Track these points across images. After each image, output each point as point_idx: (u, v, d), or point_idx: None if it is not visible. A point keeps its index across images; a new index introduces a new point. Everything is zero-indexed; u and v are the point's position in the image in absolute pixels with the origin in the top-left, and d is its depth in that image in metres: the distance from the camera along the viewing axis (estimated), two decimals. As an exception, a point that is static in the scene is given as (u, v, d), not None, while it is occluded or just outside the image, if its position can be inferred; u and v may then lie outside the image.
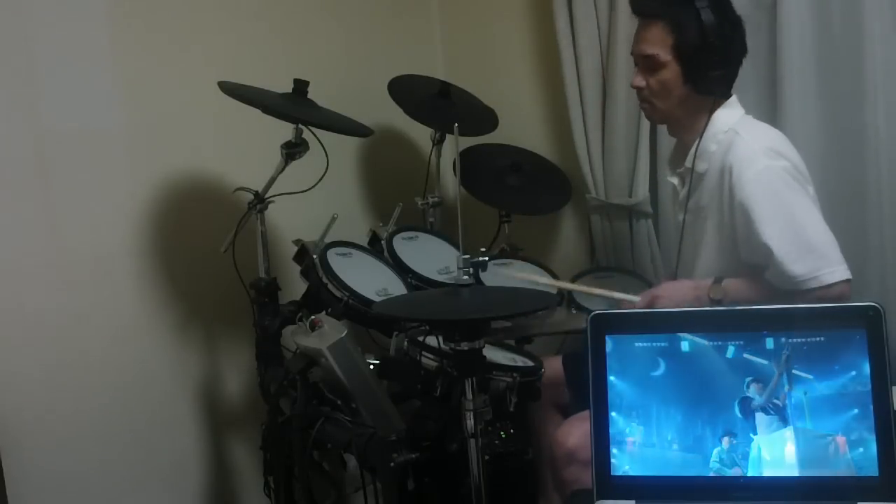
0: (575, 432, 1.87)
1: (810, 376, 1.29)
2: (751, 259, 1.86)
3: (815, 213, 1.84)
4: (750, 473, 1.29)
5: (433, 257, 2.43)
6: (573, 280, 2.54)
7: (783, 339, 1.30)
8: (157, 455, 2.36)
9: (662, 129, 2.49)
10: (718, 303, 1.87)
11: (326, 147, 2.22)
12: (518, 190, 2.66)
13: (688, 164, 1.98)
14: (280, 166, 2.18)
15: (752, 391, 1.30)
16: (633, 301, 1.99)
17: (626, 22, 2.49)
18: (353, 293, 2.13)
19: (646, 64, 1.94)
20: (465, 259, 1.65)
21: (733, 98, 1.97)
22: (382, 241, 2.41)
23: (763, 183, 1.81)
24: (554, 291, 2.28)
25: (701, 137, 1.94)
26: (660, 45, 1.90)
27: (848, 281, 1.80)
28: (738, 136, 1.89)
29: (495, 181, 2.65)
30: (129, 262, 2.29)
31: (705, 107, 1.94)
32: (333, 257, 2.24)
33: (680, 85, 1.91)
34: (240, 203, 2.24)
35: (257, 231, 2.22)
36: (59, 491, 2.14)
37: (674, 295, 1.92)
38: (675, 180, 2.08)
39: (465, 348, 1.60)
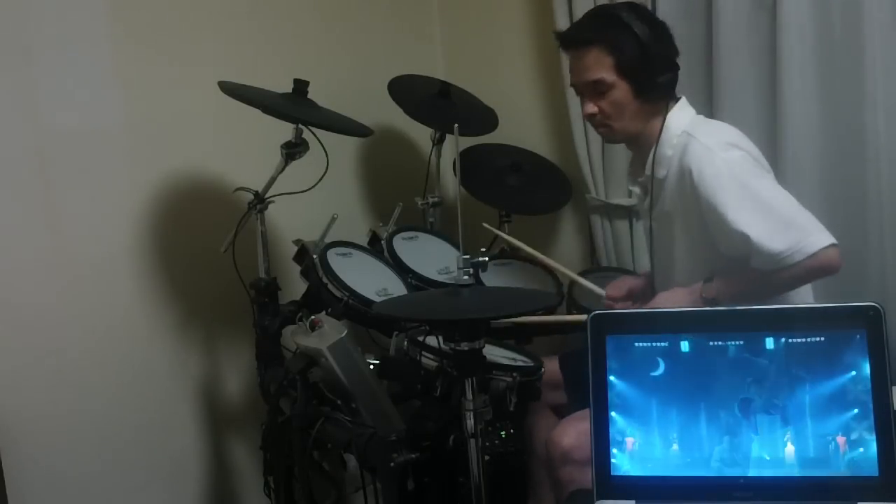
0: (570, 432, 1.87)
1: (810, 376, 1.29)
2: (732, 251, 1.86)
3: (782, 191, 1.84)
4: (750, 473, 1.29)
5: (433, 257, 2.43)
6: (572, 282, 2.54)
7: (783, 339, 1.30)
8: (157, 455, 2.36)
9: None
10: (714, 301, 1.87)
11: (326, 147, 2.22)
12: (518, 190, 2.66)
13: (647, 171, 1.98)
14: (280, 166, 2.18)
15: (753, 391, 1.31)
16: None
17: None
18: (353, 293, 2.13)
19: (593, 90, 1.95)
20: (465, 259, 1.65)
21: (682, 100, 1.98)
22: (382, 241, 2.41)
23: (724, 175, 1.81)
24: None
25: (657, 144, 1.94)
26: (601, 68, 1.91)
27: (834, 245, 1.77)
28: (691, 137, 1.89)
29: (495, 181, 2.65)
30: (129, 261, 2.29)
31: (657, 114, 1.95)
32: (333, 257, 2.24)
33: (632, 100, 1.92)
34: (240, 203, 2.24)
35: (257, 231, 2.22)
36: (59, 491, 2.14)
37: (669, 304, 1.93)
38: (636, 189, 2.09)
39: (465, 348, 1.60)
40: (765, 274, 1.83)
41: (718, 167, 1.82)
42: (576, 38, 1.97)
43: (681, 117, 1.95)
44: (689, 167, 1.85)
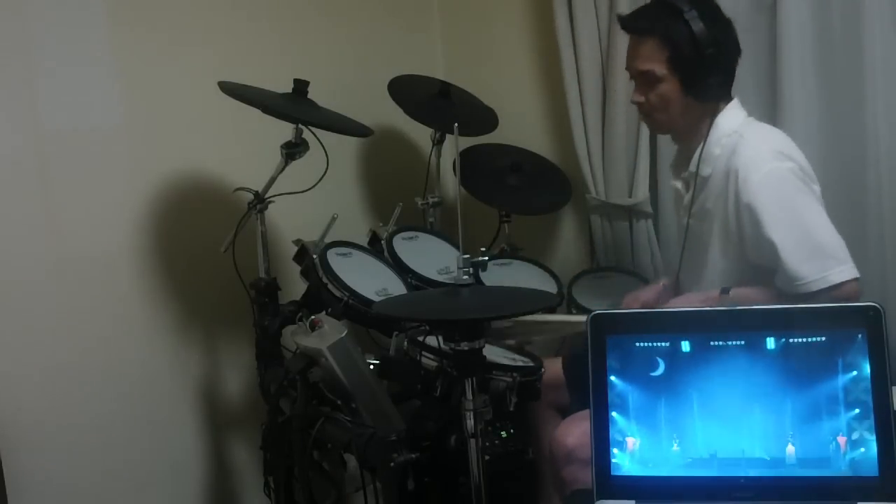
0: (574, 431, 1.87)
1: (811, 376, 1.29)
2: (759, 261, 1.87)
3: (822, 214, 1.85)
4: (750, 473, 1.29)
5: (433, 257, 2.43)
6: (572, 282, 2.54)
7: (784, 339, 1.30)
8: (158, 455, 2.36)
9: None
10: None
11: (326, 147, 2.22)
12: (518, 190, 2.66)
13: (692, 168, 1.97)
14: (280, 166, 2.18)
15: (753, 391, 1.31)
16: None
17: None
18: (353, 293, 2.13)
19: (643, 79, 1.95)
20: (465, 259, 1.65)
21: (735, 101, 1.97)
22: (382, 241, 2.41)
23: (770, 185, 1.82)
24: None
25: (705, 142, 1.94)
26: (655, 60, 1.91)
27: (856, 279, 1.80)
28: (742, 138, 1.89)
29: (495, 181, 2.65)
30: (128, 262, 2.29)
31: (707, 112, 1.94)
32: (333, 257, 2.24)
33: (680, 96, 1.92)
34: (240, 203, 2.24)
35: (257, 231, 2.22)
36: (59, 491, 2.14)
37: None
38: (678, 184, 2.08)
39: (465, 348, 1.60)
40: (784, 296, 1.84)
41: (765, 174, 1.82)
42: (634, 25, 1.96)
43: (732, 118, 1.94)
44: (736, 169, 1.86)
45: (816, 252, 1.80)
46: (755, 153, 1.85)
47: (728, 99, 1.96)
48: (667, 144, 2.42)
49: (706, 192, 1.96)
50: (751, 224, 1.84)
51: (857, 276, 1.81)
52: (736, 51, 1.95)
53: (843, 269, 1.80)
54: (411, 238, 2.50)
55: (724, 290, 1.90)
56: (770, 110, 2.35)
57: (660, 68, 1.90)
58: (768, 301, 1.86)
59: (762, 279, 1.89)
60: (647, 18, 1.96)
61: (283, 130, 2.16)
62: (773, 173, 1.83)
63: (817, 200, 1.87)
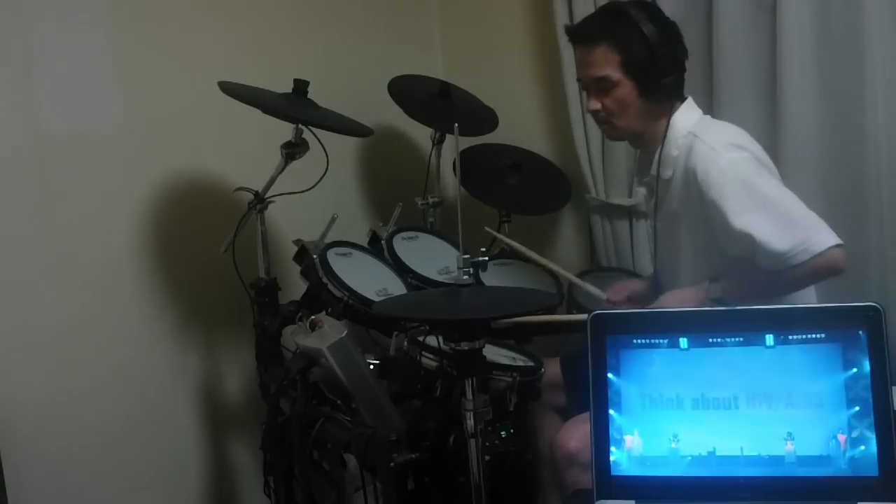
0: (576, 434, 1.86)
1: (810, 376, 1.29)
2: (737, 252, 1.86)
3: (787, 191, 1.84)
4: (749, 472, 1.29)
5: (433, 257, 2.43)
6: (572, 284, 2.54)
7: (783, 338, 1.30)
8: (158, 455, 2.36)
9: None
10: (720, 301, 1.88)
11: (326, 147, 2.22)
12: (518, 190, 2.66)
13: (653, 171, 1.98)
14: (280, 166, 2.18)
15: (753, 390, 1.31)
16: None
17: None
18: (353, 293, 2.13)
19: (598, 86, 1.95)
20: (465, 259, 1.65)
21: (689, 101, 1.98)
22: (382, 241, 2.41)
23: (729, 176, 1.81)
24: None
25: (663, 144, 1.94)
26: (608, 65, 1.91)
27: (839, 246, 1.77)
28: (696, 138, 1.89)
29: (495, 181, 2.65)
30: (128, 262, 2.29)
31: (662, 114, 1.95)
32: (333, 257, 2.24)
33: (636, 99, 1.93)
34: (240, 203, 2.24)
35: (257, 231, 2.22)
36: (59, 491, 2.14)
37: (676, 303, 1.93)
38: (642, 189, 2.09)
39: (465, 348, 1.60)
40: (770, 274, 1.83)
41: (723, 168, 1.82)
42: (584, 34, 1.98)
43: (687, 118, 1.95)
44: (693, 168, 1.86)
45: (791, 225, 1.79)
46: (709, 150, 1.85)
47: (682, 99, 1.97)
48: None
49: (670, 194, 1.96)
50: (720, 220, 1.83)
51: (839, 242, 1.77)
52: (684, 52, 1.96)
53: (822, 237, 1.77)
54: (411, 238, 2.50)
55: (713, 280, 1.90)
56: (770, 110, 2.35)
57: (615, 72, 1.91)
58: (755, 281, 1.86)
59: (739, 269, 1.89)
60: (597, 25, 1.97)
61: (283, 130, 2.16)
62: (729, 165, 1.82)
63: (779, 181, 1.87)
